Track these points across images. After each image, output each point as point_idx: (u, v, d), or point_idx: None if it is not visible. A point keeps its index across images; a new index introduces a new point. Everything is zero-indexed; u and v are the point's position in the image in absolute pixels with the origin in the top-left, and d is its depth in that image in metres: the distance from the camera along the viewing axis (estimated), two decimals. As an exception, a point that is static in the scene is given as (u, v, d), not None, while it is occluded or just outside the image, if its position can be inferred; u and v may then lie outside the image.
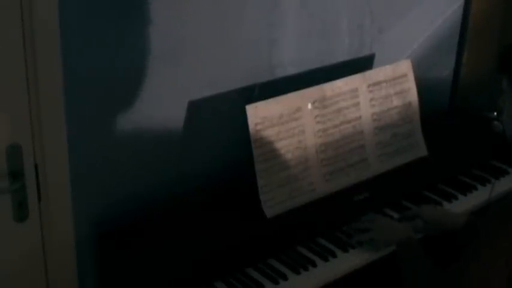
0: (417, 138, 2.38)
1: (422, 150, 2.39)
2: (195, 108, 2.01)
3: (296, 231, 2.02)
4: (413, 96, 2.37)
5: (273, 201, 2.02)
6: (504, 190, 2.32)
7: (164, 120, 1.97)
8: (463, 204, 2.25)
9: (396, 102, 2.32)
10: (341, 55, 2.35)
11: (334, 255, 1.98)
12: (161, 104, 1.95)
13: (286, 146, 2.06)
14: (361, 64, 2.38)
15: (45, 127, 1.72)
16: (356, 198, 2.16)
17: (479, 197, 2.29)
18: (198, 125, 2.04)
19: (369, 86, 2.25)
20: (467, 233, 1.96)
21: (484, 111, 2.64)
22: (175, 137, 2.01)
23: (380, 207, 2.19)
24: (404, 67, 2.35)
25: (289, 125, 2.06)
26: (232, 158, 2.10)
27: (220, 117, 2.09)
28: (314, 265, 1.93)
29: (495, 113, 2.57)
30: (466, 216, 2.05)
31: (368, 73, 2.27)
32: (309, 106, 2.11)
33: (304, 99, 2.10)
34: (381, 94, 2.28)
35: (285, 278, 1.88)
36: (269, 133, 2.02)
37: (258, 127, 2.00)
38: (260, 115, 2.00)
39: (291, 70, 2.22)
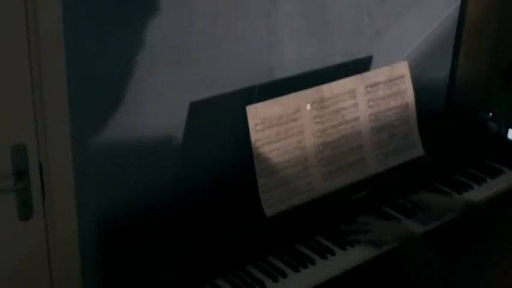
0: (414, 139, 2.40)
1: (419, 150, 2.40)
2: (196, 109, 2.03)
3: (295, 230, 2.04)
4: (410, 97, 2.38)
5: (273, 200, 2.04)
6: (499, 190, 2.35)
7: (166, 121, 1.99)
8: (459, 203, 2.27)
9: (393, 103, 2.34)
10: (339, 57, 2.35)
11: (333, 253, 1.99)
12: (162, 105, 1.96)
13: (286, 146, 2.08)
14: (359, 66, 2.38)
15: (49, 127, 1.73)
16: (354, 197, 2.17)
17: (475, 195, 2.31)
18: (199, 125, 2.05)
19: (366, 87, 2.27)
20: (469, 217, 2.00)
21: (480, 112, 2.65)
22: (176, 137, 2.02)
23: (378, 206, 2.21)
24: (402, 69, 2.37)
25: (288, 126, 2.08)
26: (232, 158, 2.11)
27: (221, 118, 2.10)
28: (313, 263, 1.95)
29: (490, 114, 2.60)
30: (463, 200, 2.11)
31: (366, 74, 2.28)
32: (308, 107, 2.13)
33: (303, 100, 2.12)
34: (378, 95, 2.30)
35: (285, 275, 1.90)
36: (269, 133, 2.04)
37: (258, 127, 2.02)
38: (260, 116, 2.02)
39: (290, 71, 2.23)
